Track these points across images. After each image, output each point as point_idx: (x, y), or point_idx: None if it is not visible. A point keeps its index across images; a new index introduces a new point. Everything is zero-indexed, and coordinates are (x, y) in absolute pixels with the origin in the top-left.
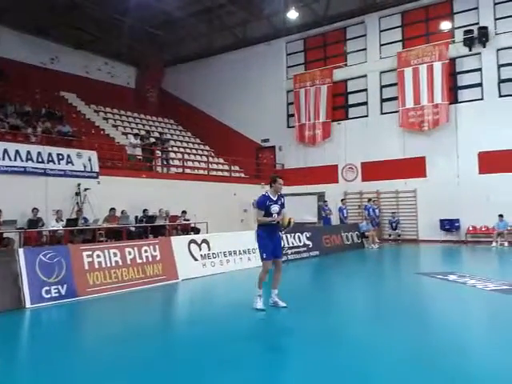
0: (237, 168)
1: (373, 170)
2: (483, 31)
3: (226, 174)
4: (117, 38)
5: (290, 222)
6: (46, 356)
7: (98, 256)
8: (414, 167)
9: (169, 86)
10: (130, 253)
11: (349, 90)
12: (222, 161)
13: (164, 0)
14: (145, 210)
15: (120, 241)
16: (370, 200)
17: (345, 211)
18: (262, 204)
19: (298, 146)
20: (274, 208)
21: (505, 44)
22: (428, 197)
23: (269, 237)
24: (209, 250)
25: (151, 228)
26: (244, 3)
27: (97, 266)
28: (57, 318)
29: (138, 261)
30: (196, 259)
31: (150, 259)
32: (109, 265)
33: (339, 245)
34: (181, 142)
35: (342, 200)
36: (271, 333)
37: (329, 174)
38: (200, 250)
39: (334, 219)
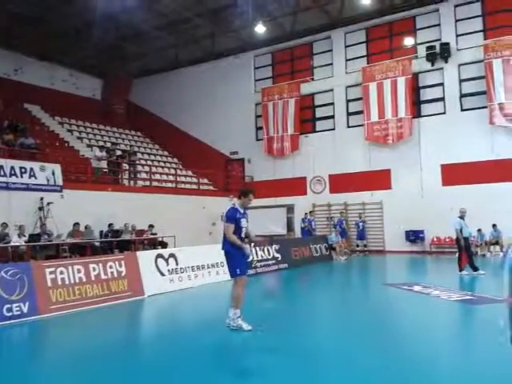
0: (205, 181)
1: (340, 182)
2: (445, 47)
3: (194, 186)
4: (82, 50)
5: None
6: (5, 375)
7: (62, 272)
8: (380, 179)
9: (137, 98)
10: (94, 269)
11: (316, 104)
12: (190, 173)
13: (130, 12)
14: (110, 225)
15: (84, 256)
16: (341, 213)
17: (313, 223)
18: (233, 217)
19: (266, 159)
20: (244, 222)
21: (466, 59)
22: (393, 208)
23: (239, 252)
24: (176, 264)
25: (117, 243)
26: (211, 17)
27: (60, 283)
28: (18, 336)
29: (103, 277)
30: (163, 274)
31: (116, 275)
32: (72, 281)
33: (308, 257)
34: (148, 154)
35: (310, 212)
36: (240, 351)
37: (297, 186)
38: (167, 264)
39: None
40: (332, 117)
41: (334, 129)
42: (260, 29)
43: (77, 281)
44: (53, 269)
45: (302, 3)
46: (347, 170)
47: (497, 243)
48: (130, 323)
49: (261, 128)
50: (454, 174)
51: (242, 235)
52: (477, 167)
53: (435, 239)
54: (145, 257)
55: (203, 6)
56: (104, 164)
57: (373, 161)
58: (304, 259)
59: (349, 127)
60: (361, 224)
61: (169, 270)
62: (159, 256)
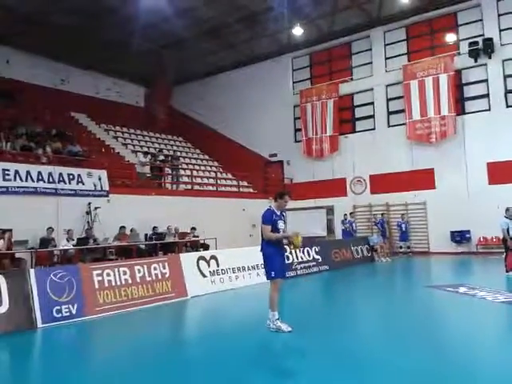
0: (245, 183)
1: (381, 183)
2: (488, 42)
3: (234, 189)
4: (125, 58)
5: (301, 240)
6: (60, 375)
7: (108, 274)
8: (423, 179)
9: (178, 103)
10: (139, 270)
11: (355, 104)
12: (230, 176)
13: (170, 21)
14: (154, 228)
15: (130, 259)
16: (382, 214)
17: (354, 224)
18: (269, 219)
19: (305, 160)
20: (281, 224)
21: (510, 55)
22: (438, 208)
23: (277, 254)
24: (217, 266)
25: (161, 245)
26: (248, 22)
27: (107, 285)
28: (69, 337)
29: (148, 278)
30: (205, 276)
31: (160, 276)
32: (118, 283)
33: (349, 259)
34: (190, 158)
35: (350, 213)
36: (282, 353)
37: (337, 187)
38: (209, 266)
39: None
40: (372, 116)
41: (374, 128)
42: (297, 31)
43: (123, 282)
44: (99, 271)
45: (339, 3)
46: (388, 170)
47: None
48: (174, 323)
49: (299, 130)
50: (501, 173)
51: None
52: None
53: (482, 239)
54: (187, 259)
55: (241, 12)
56: (147, 169)
57: (415, 160)
58: (345, 261)
59: (390, 126)
60: (403, 225)
61: (210, 272)
62: (201, 258)
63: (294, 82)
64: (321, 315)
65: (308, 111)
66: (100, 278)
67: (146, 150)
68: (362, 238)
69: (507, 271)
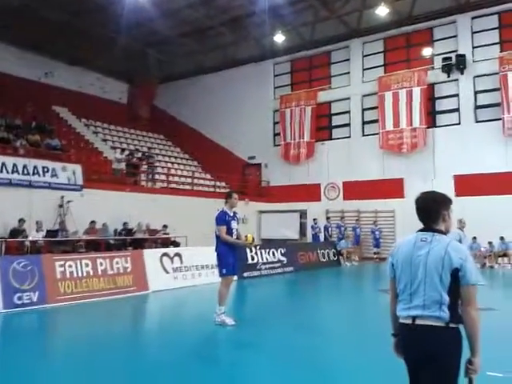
0: (223, 184)
1: (354, 190)
2: (461, 59)
3: (211, 189)
4: (110, 55)
5: (253, 239)
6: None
7: (70, 266)
8: (393, 188)
9: (161, 102)
10: (101, 264)
11: (332, 112)
12: (209, 176)
13: (156, 20)
14: (125, 223)
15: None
16: (357, 220)
17: (329, 229)
18: (223, 219)
19: (283, 164)
20: (234, 224)
21: (481, 71)
22: (406, 217)
23: (230, 253)
24: (181, 263)
25: (131, 241)
26: (233, 26)
27: (68, 276)
28: (26, 323)
29: (110, 272)
30: (168, 272)
31: (121, 270)
32: (80, 274)
33: (315, 262)
34: (168, 157)
35: (327, 218)
36: (219, 344)
37: (312, 192)
38: (172, 263)
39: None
40: (348, 125)
41: (349, 137)
42: (279, 38)
43: (84, 274)
44: (62, 262)
45: (321, 14)
46: (361, 178)
47: (505, 255)
48: (129, 315)
49: (278, 134)
50: (467, 185)
51: (234, 237)
52: (490, 179)
53: None
54: (150, 255)
55: (225, 15)
56: (123, 166)
57: (386, 169)
58: (311, 263)
59: (364, 135)
60: (377, 232)
61: (173, 268)
62: (164, 254)
63: (275, 87)
64: (271, 312)
65: (287, 116)
66: (62, 269)
67: (125, 146)
68: (330, 242)
69: None
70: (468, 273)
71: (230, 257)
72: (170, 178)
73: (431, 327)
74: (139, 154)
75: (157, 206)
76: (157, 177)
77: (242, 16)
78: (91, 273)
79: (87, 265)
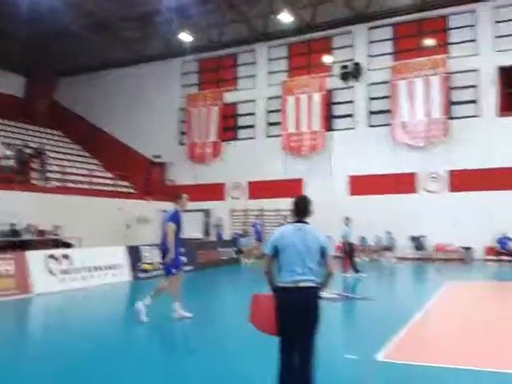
0: (125, 183)
1: (258, 189)
2: (356, 67)
3: (111, 188)
4: (6, 46)
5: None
6: None
7: None
8: (293, 188)
9: (62, 97)
10: None
11: (238, 113)
12: (110, 175)
13: (56, 11)
14: (12, 224)
15: None
16: (257, 216)
17: (259, 227)
18: (177, 218)
19: (189, 163)
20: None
21: (375, 79)
22: None
23: (178, 252)
24: (70, 264)
25: (19, 243)
26: (140, 21)
27: None
28: None
29: None
30: (54, 274)
31: (3, 273)
32: None
33: (215, 260)
34: (64, 154)
35: (256, 216)
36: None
37: (217, 191)
38: (60, 264)
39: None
40: (253, 126)
41: (254, 138)
42: (185, 37)
43: None
44: None
45: (228, 16)
46: (265, 178)
47: (390, 249)
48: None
49: (184, 133)
50: (360, 185)
51: (181, 235)
52: (380, 179)
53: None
54: (35, 257)
55: (132, 10)
56: (13, 162)
57: (289, 170)
58: (211, 262)
59: (268, 137)
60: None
61: (61, 270)
62: (50, 256)
63: (182, 86)
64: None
65: (194, 116)
66: None
67: (19, 142)
68: (231, 240)
69: (343, 272)
70: (329, 249)
71: (178, 255)
72: (67, 177)
73: (310, 287)
74: (29, 150)
75: (50, 205)
76: (51, 175)
77: (149, 12)
78: None
79: None
